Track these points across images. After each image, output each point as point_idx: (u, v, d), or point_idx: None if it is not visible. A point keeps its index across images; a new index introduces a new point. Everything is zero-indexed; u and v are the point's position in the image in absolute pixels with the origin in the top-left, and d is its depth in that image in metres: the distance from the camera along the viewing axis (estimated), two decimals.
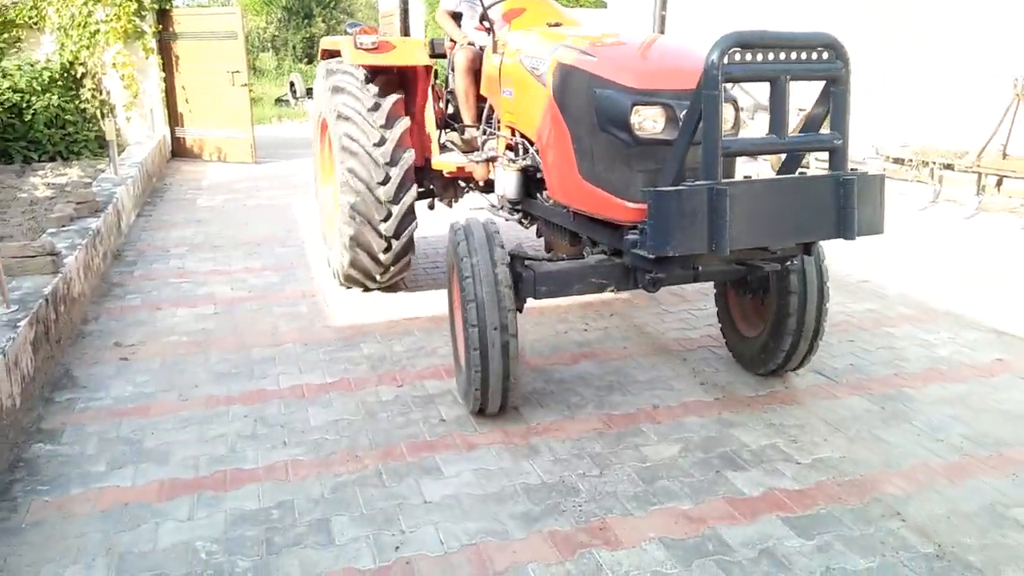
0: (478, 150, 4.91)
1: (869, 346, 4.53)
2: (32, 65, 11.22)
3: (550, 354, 4.46)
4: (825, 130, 3.12)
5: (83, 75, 11.63)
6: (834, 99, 3.06)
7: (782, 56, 2.95)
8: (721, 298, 4.40)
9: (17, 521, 2.86)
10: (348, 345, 4.59)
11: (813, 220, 3.10)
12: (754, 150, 4.02)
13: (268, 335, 4.79)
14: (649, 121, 3.32)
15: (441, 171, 5.21)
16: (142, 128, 11.94)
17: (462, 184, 5.47)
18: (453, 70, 5.14)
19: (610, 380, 4.10)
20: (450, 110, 5.48)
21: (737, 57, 2.89)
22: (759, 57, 2.94)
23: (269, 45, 28.82)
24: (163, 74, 11.91)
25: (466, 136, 5.03)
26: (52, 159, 10.67)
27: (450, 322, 4.04)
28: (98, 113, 11.66)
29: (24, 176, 9.57)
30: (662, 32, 4.68)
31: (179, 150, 12.38)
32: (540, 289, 3.60)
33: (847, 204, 3.04)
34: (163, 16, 11.86)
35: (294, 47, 28.37)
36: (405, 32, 5.61)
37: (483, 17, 4.48)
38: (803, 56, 2.99)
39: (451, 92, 5.35)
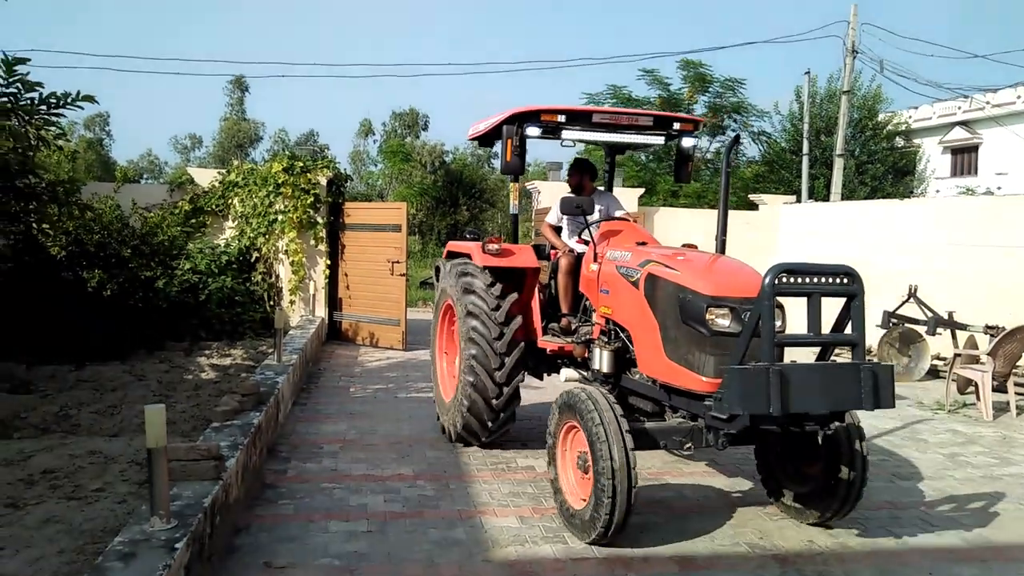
0: (574, 334, 6.21)
1: None
2: (213, 249, 12.05)
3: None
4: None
5: (256, 259, 12.38)
6: (853, 310, 4.30)
7: (815, 280, 4.24)
8: (762, 460, 5.50)
9: None
10: None
11: (842, 394, 4.21)
12: (797, 343, 4.68)
13: (423, 567, 4.33)
14: (719, 319, 4.58)
15: (544, 349, 6.41)
16: (302, 311, 12.41)
17: (559, 360, 6.48)
18: (555, 271, 6.55)
19: None
20: (549, 300, 6.73)
21: (784, 279, 4.17)
22: (799, 280, 4.21)
23: (416, 230, 30.54)
24: (328, 261, 12.50)
25: (563, 323, 6.36)
26: (218, 338, 11.13)
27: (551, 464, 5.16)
28: (265, 296, 12.25)
29: (192, 355, 9.95)
30: (723, 252, 5.65)
31: (334, 333, 12.72)
32: (639, 443, 4.64)
33: (867, 384, 4.17)
34: (336, 208, 12.62)
35: (439, 232, 29.90)
36: (515, 239, 7.07)
37: (581, 231, 6.41)
38: (830, 280, 4.28)
39: (552, 287, 6.70)
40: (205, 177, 12.88)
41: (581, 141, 7.11)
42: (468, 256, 6.72)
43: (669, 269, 4.97)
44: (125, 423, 6.56)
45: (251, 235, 12.32)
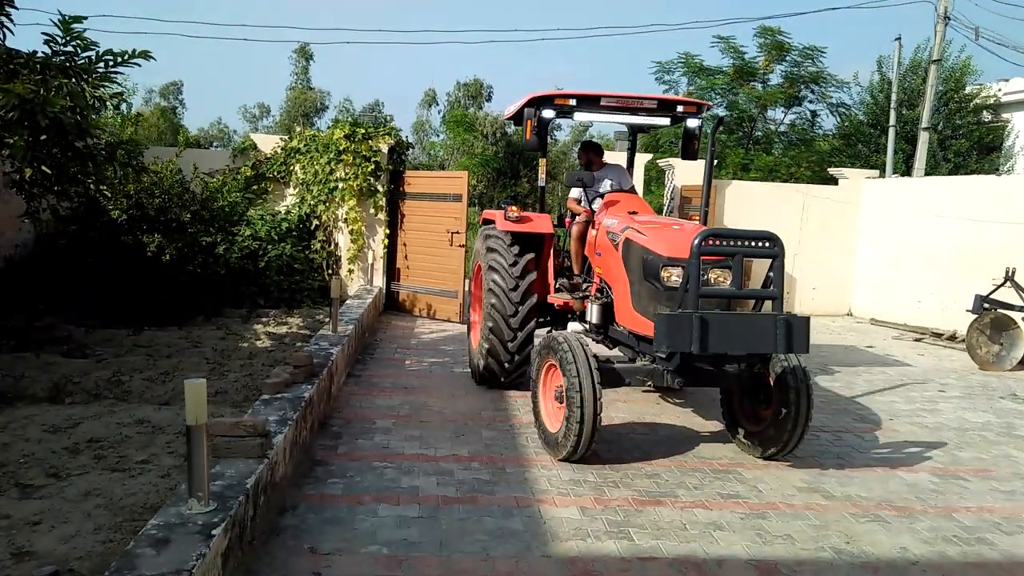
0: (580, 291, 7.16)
1: None
2: (273, 216, 11.92)
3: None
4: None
5: (316, 227, 12.21)
6: (774, 270, 5.04)
7: (738, 243, 4.94)
8: (726, 405, 6.13)
9: None
10: None
11: (757, 339, 4.91)
12: (721, 295, 5.29)
13: (477, 560, 4.01)
14: (673, 276, 5.41)
15: (553, 304, 7.26)
16: (360, 280, 12.23)
17: (568, 315, 7.13)
18: (570, 236, 7.47)
19: None
20: (566, 263, 7.61)
21: (711, 242, 4.88)
22: (724, 243, 4.94)
23: (476, 201, 30.22)
24: (387, 231, 12.26)
25: (574, 282, 7.28)
26: (276, 305, 11.01)
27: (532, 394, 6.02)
28: (324, 264, 12.09)
29: (249, 322, 9.83)
30: (704, 223, 6.53)
31: (391, 304, 12.52)
32: (606, 379, 5.44)
33: (781, 332, 4.85)
34: (396, 177, 12.35)
35: (498, 204, 29.49)
36: (542, 209, 7.63)
37: (587, 201, 7.27)
38: (753, 244, 4.98)
39: (567, 251, 7.62)
40: (268, 143, 12.74)
41: (591, 122, 7.96)
42: (494, 223, 7.57)
43: (639, 234, 5.89)
44: (177, 391, 6.41)
45: (311, 202, 12.14)
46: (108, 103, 6.85)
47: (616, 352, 6.67)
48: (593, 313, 6.55)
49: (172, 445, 5.05)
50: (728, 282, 5.25)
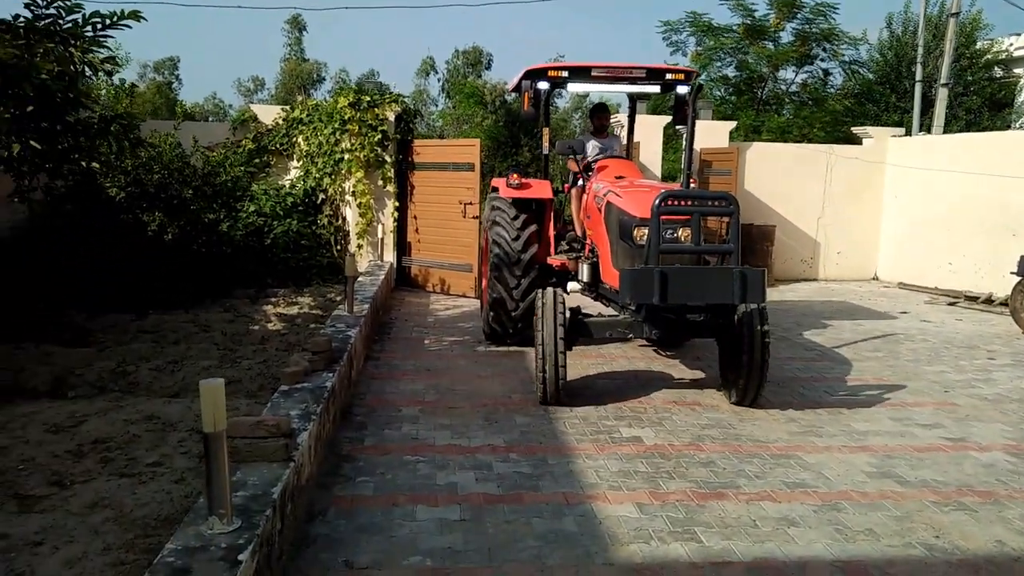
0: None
1: None
2: (277, 190, 11.39)
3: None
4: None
5: (323, 201, 11.69)
6: (730, 227, 5.58)
7: (695, 203, 5.55)
8: (722, 360, 6.31)
9: None
10: None
11: (714, 290, 5.33)
12: (679, 250, 5.68)
13: (532, 569, 3.59)
14: (644, 235, 5.80)
15: (553, 266, 7.68)
16: (370, 256, 11.74)
17: (569, 275, 7.51)
18: (570, 200, 8.04)
19: None
20: (568, 227, 8.11)
21: (670, 202, 5.49)
22: (682, 203, 5.56)
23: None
24: (397, 203, 11.74)
25: (575, 244, 7.77)
26: (285, 283, 10.54)
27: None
28: (332, 240, 11.60)
29: (258, 303, 9.37)
30: (687, 186, 7.00)
31: (403, 279, 12.04)
32: (587, 333, 6.05)
33: (737, 284, 5.24)
34: (404, 146, 11.79)
35: (500, 173, 28.79)
36: (546, 176, 8.17)
37: (580, 170, 7.75)
38: (709, 203, 5.68)
39: (568, 216, 8.23)
40: (269, 114, 12.16)
41: (585, 92, 8.10)
42: (498, 189, 7.87)
43: (617, 196, 6.36)
44: (187, 381, 5.97)
45: (317, 175, 11.60)
46: (99, 69, 6.30)
47: (610, 310, 7.05)
48: (584, 272, 7.09)
49: (185, 444, 4.61)
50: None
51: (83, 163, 6.95)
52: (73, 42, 5.98)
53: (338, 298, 9.54)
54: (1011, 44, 34.27)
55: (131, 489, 3.97)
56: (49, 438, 4.69)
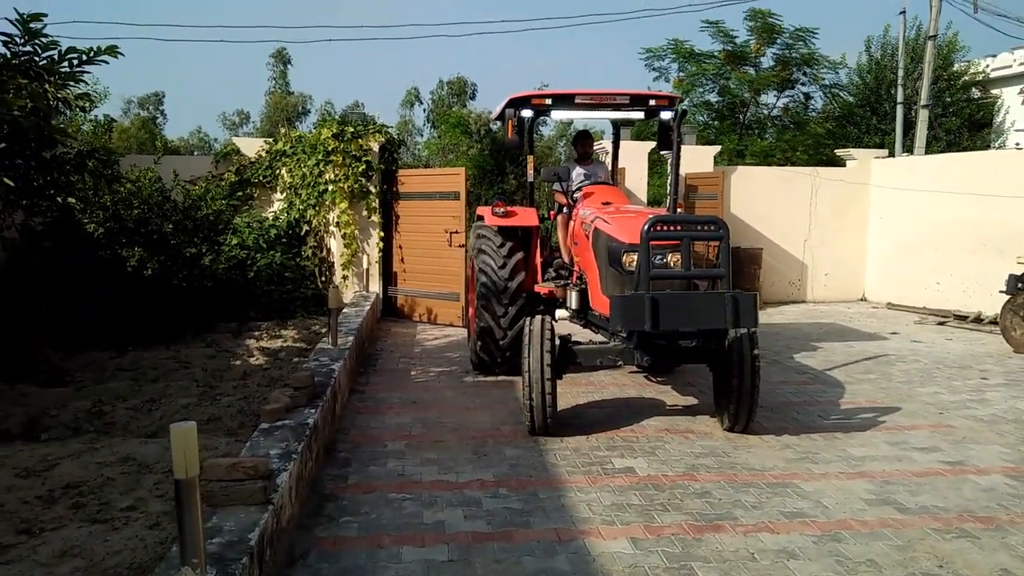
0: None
1: None
2: (260, 223, 11.28)
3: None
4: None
5: (306, 233, 11.58)
6: (721, 251, 5.45)
7: (685, 228, 5.47)
8: (715, 385, 6.12)
9: None
10: None
11: (706, 316, 5.24)
12: (670, 275, 5.61)
13: None
14: (633, 261, 5.68)
15: (540, 294, 7.55)
16: (356, 286, 11.61)
17: (557, 303, 7.42)
18: (556, 228, 8.02)
19: None
20: (555, 255, 8.03)
21: (659, 227, 5.35)
22: (671, 228, 5.46)
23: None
24: (382, 233, 11.63)
25: (560, 271, 7.70)
26: (268, 317, 10.38)
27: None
28: (316, 271, 11.47)
29: (240, 337, 9.21)
30: (673, 211, 7.18)
31: (389, 309, 11.89)
32: (577, 361, 5.95)
33: (729, 309, 5.14)
34: (389, 176, 11.72)
35: (486, 201, 28.79)
36: (531, 203, 7.97)
37: (568, 202, 7.70)
38: (698, 228, 5.60)
39: (555, 244, 8.13)
40: (251, 147, 12.08)
41: (569, 119, 8.25)
42: (483, 218, 7.79)
43: (605, 223, 6.28)
44: (164, 420, 5.78)
45: (300, 207, 11.50)
46: (75, 105, 6.20)
47: (600, 337, 6.90)
48: (572, 299, 6.98)
49: (161, 486, 4.44)
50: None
51: (59, 199, 6.83)
52: (48, 78, 5.90)
53: (323, 330, 9.39)
54: (988, 65, 34.79)
55: (103, 536, 3.80)
56: (19, 483, 4.51)
